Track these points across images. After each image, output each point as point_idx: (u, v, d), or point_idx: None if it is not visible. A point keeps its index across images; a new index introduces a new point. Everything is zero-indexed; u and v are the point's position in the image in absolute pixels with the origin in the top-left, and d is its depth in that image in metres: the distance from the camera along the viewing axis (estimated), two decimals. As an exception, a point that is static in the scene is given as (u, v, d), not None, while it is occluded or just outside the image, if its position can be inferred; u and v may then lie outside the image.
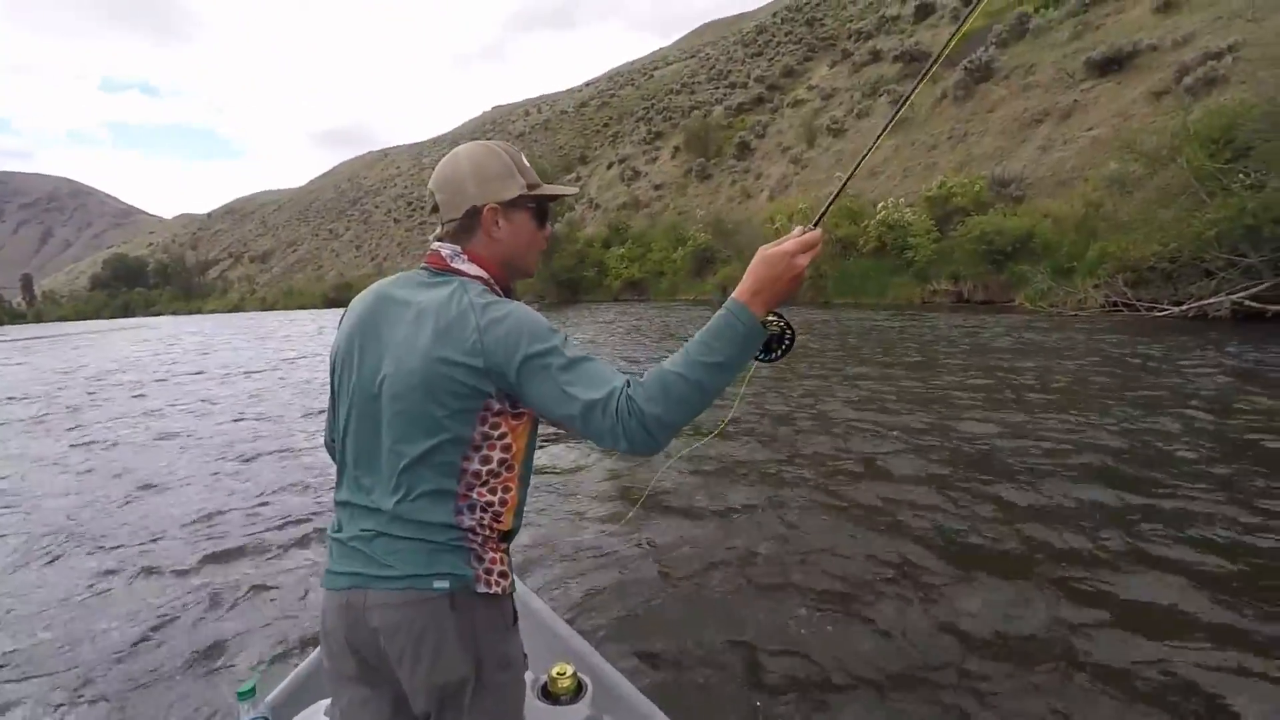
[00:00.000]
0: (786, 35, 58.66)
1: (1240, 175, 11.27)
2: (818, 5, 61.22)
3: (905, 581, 2.85)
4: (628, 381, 0.93)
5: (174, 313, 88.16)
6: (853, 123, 31.92)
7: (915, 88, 1.05)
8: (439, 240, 1.11)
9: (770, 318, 0.99)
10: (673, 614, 2.67)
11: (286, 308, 71.00)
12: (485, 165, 1.08)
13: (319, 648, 1.15)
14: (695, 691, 2.16)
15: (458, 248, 1.09)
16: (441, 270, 1.07)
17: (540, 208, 1.14)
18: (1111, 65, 20.44)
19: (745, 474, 4.43)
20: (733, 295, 0.96)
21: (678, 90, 67.44)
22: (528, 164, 1.13)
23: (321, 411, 7.14)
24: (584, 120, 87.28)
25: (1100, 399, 5.89)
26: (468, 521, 1.00)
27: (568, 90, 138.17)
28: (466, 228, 1.09)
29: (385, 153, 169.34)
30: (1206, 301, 11.56)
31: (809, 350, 10.19)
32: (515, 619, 1.09)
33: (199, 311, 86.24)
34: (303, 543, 3.66)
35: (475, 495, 1.01)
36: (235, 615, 2.89)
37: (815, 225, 1.01)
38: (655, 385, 0.91)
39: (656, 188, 45.19)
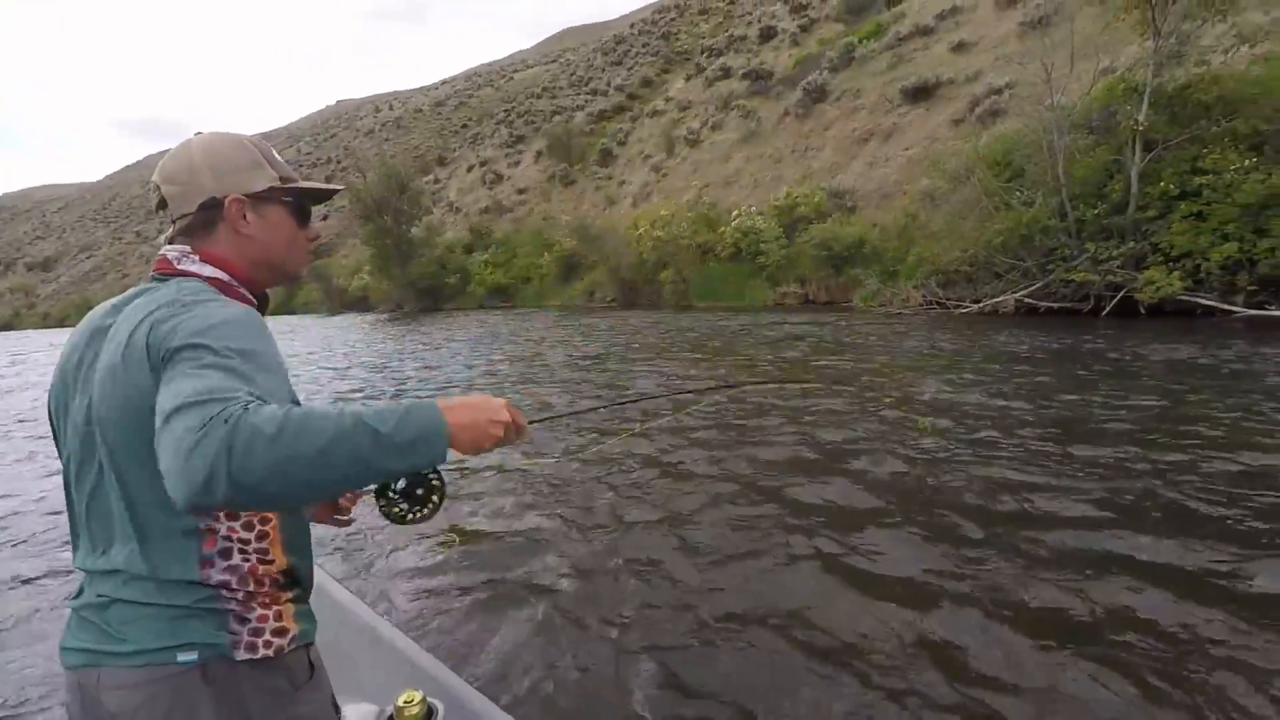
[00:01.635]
0: (644, 47, 60.60)
1: (1017, 193, 13.51)
2: (672, 20, 63.96)
3: (727, 561, 3.03)
4: (263, 399, 0.72)
5: (-82, 332, 71.22)
6: (708, 134, 33.69)
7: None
8: (169, 241, 0.97)
9: (434, 473, 0.94)
10: (534, 626, 2.63)
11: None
12: (225, 154, 0.97)
13: None
14: (564, 704, 2.14)
15: (187, 248, 0.95)
16: (168, 275, 0.94)
17: (299, 204, 1.04)
18: (921, 94, 23.52)
19: (573, 478, 4.46)
20: (432, 400, 0.84)
21: (539, 94, 66.98)
22: (280, 158, 1.03)
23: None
24: (441, 120, 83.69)
25: (850, 375, 6.81)
26: (218, 575, 0.86)
27: (421, 88, 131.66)
28: (204, 223, 0.96)
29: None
30: (996, 299, 13.70)
31: (634, 347, 10.61)
32: (311, 673, 0.95)
33: (-45, 330, 70.40)
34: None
35: (226, 535, 0.87)
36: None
37: (532, 423, 0.97)
38: (297, 415, 0.69)
39: (520, 192, 44.50)
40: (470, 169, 55.57)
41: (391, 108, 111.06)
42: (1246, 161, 10.77)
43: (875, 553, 3.05)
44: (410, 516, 0.95)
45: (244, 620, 0.87)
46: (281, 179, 1.01)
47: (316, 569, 1.09)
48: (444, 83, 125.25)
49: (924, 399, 6.13)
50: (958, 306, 14.38)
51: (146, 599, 0.84)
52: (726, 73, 38.52)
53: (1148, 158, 11.92)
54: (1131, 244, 11.84)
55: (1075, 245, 12.49)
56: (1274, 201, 10.33)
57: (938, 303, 14.87)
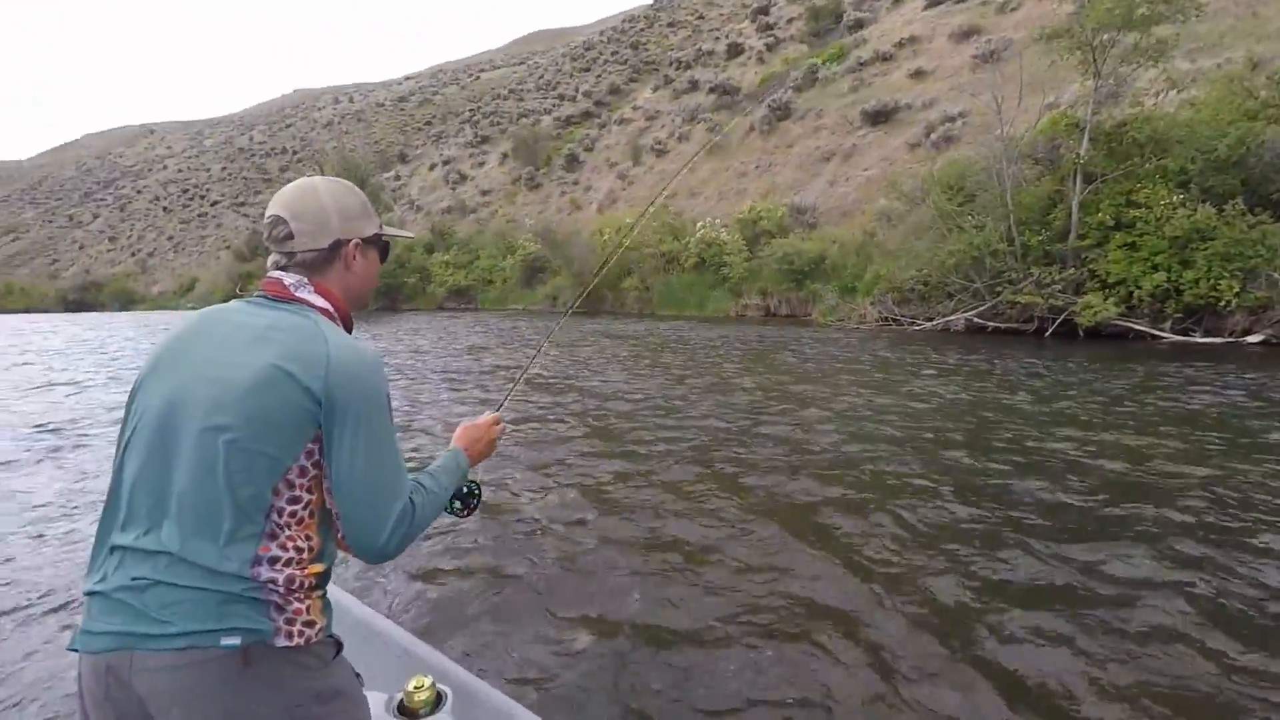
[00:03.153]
0: (613, 55, 60.81)
1: (969, 217, 14.07)
2: (642, 31, 64.48)
3: (738, 545, 3.15)
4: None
5: None
6: (674, 145, 34.01)
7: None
8: (281, 269, 1.09)
9: (473, 478, 1.32)
10: (529, 615, 2.69)
11: (3, 310, 56.23)
12: (347, 201, 1.13)
13: None
14: (564, 690, 2.20)
15: (304, 278, 1.08)
16: (282, 298, 1.06)
17: (387, 246, 1.24)
18: (880, 117, 24.33)
19: (555, 466, 4.51)
20: (454, 446, 1.27)
21: (505, 95, 66.40)
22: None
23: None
24: (404, 115, 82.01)
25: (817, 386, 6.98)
26: (266, 574, 0.93)
27: (384, 82, 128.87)
28: (327, 260, 1.10)
29: (150, 128, 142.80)
30: (948, 318, 14.22)
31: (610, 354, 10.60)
32: (338, 650, 1.04)
33: None
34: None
35: (281, 545, 0.95)
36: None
37: (499, 409, 1.45)
38: (421, 507, 1.05)
39: (484, 193, 43.92)
40: (433, 167, 54.56)
41: (352, 100, 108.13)
42: (1175, 198, 11.51)
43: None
44: (463, 512, 1.31)
45: (282, 610, 0.94)
46: (380, 225, 1.19)
47: None
48: (408, 78, 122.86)
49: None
50: (911, 324, 14.86)
51: (195, 584, 0.89)
52: (694, 85, 39.03)
53: (1087, 189, 12.61)
54: (1072, 270, 12.49)
55: (1021, 269, 13.08)
56: (1197, 236, 11.06)
57: (893, 320, 15.33)
